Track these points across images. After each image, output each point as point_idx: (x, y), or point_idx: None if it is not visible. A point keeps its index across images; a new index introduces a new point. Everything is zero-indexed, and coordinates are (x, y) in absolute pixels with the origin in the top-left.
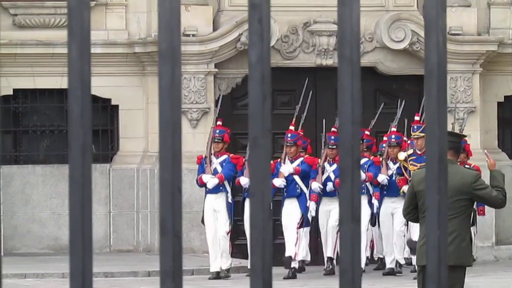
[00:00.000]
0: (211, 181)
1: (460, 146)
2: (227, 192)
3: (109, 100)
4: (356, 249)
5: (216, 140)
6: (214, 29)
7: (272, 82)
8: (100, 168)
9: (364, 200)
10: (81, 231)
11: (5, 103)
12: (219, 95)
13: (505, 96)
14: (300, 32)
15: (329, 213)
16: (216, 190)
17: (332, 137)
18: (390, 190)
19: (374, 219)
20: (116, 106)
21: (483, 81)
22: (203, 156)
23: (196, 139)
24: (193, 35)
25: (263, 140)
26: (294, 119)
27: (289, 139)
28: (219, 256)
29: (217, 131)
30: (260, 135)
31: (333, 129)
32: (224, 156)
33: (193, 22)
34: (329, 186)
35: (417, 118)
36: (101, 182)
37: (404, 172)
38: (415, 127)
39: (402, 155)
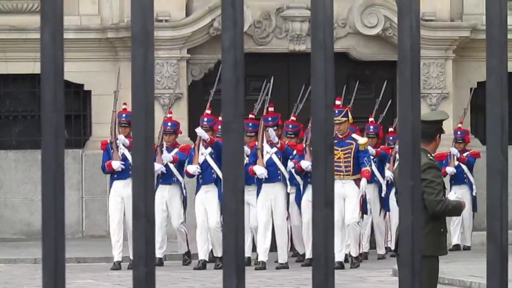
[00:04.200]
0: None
1: (428, 132)
2: None
3: (81, 85)
4: (329, 233)
5: (122, 124)
6: (187, 15)
7: (244, 67)
8: (73, 154)
9: (283, 188)
10: (54, 216)
11: None
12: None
13: (478, 82)
14: (273, 17)
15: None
16: (124, 175)
17: (250, 124)
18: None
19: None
20: (89, 92)
21: (456, 67)
22: (108, 142)
23: None
24: (166, 21)
25: (236, 125)
26: (208, 104)
27: (205, 123)
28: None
29: (124, 115)
30: (233, 120)
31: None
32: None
33: (166, 7)
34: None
35: (338, 102)
36: (74, 167)
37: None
38: (336, 111)
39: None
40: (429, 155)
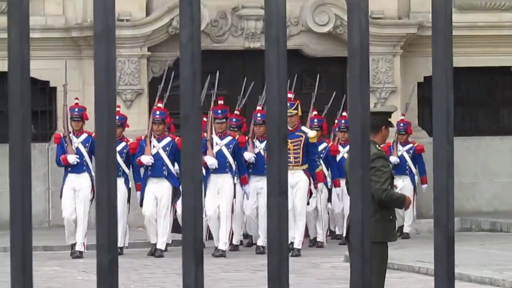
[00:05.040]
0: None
1: (374, 124)
2: (90, 172)
3: (47, 82)
4: (282, 220)
5: (74, 118)
6: (147, 14)
7: (202, 64)
8: (39, 147)
9: (230, 179)
10: (21, 207)
11: None
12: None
13: (424, 77)
14: (229, 16)
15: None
16: (78, 169)
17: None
18: (256, 168)
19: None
20: (54, 88)
21: (404, 63)
22: (62, 135)
23: (130, 119)
24: (127, 20)
25: (194, 117)
26: (157, 98)
27: (157, 116)
28: (78, 235)
29: (76, 109)
30: (191, 113)
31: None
32: (84, 135)
33: (127, 7)
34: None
35: (290, 95)
36: (40, 160)
37: None
38: (288, 104)
39: None
40: (377, 146)
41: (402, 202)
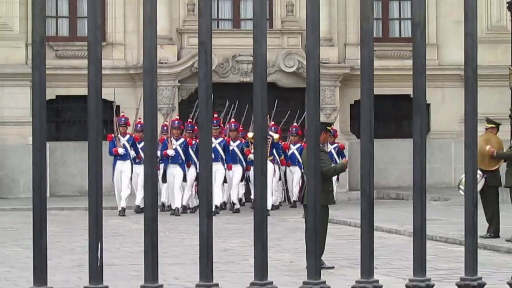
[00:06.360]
0: (120, 150)
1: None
2: (131, 159)
3: (113, 102)
4: (264, 192)
5: (121, 125)
6: (178, 59)
7: (212, 91)
8: (108, 144)
9: (221, 166)
10: (95, 181)
11: (51, 104)
12: (180, 99)
13: (355, 100)
14: (230, 61)
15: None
16: (124, 157)
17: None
18: (231, 159)
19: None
20: (118, 106)
21: (341, 91)
22: (113, 136)
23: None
24: (165, 63)
25: (207, 125)
26: (176, 113)
27: (175, 124)
28: (122, 199)
29: (123, 119)
30: (205, 122)
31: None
32: (127, 136)
33: (165, 55)
34: None
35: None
36: (108, 152)
37: (251, 145)
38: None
39: (250, 134)
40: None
41: (343, 168)
